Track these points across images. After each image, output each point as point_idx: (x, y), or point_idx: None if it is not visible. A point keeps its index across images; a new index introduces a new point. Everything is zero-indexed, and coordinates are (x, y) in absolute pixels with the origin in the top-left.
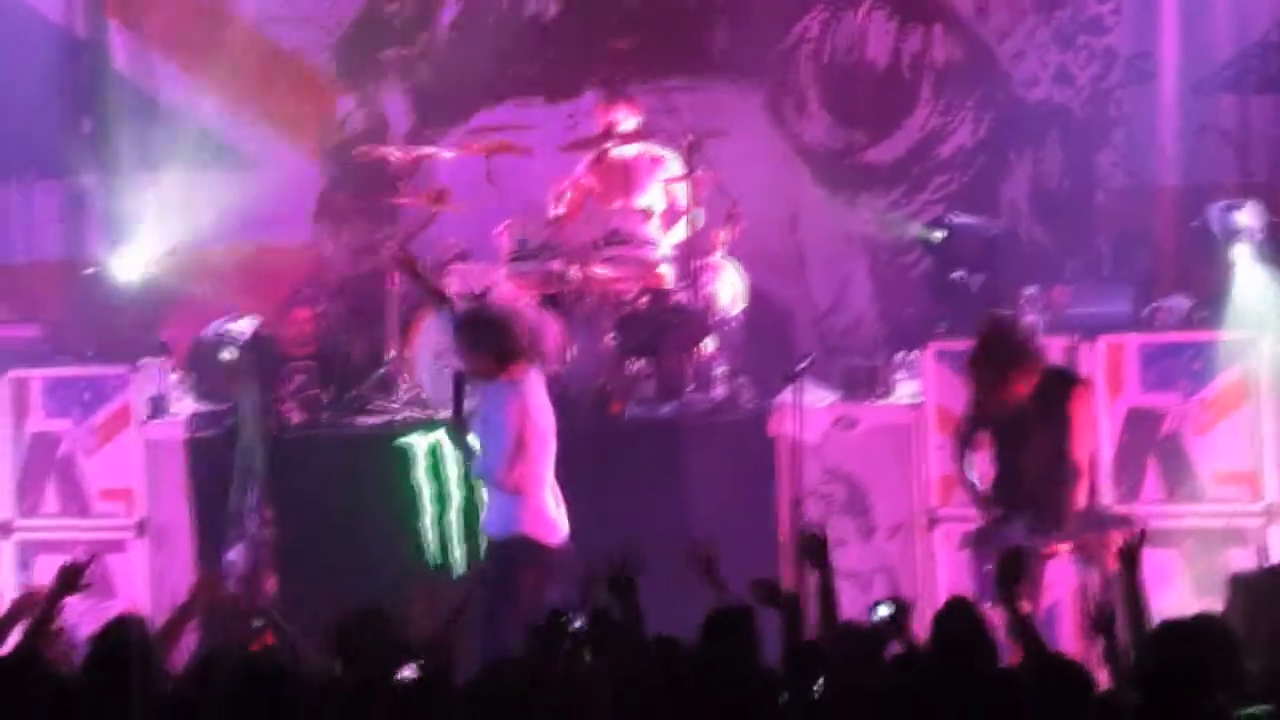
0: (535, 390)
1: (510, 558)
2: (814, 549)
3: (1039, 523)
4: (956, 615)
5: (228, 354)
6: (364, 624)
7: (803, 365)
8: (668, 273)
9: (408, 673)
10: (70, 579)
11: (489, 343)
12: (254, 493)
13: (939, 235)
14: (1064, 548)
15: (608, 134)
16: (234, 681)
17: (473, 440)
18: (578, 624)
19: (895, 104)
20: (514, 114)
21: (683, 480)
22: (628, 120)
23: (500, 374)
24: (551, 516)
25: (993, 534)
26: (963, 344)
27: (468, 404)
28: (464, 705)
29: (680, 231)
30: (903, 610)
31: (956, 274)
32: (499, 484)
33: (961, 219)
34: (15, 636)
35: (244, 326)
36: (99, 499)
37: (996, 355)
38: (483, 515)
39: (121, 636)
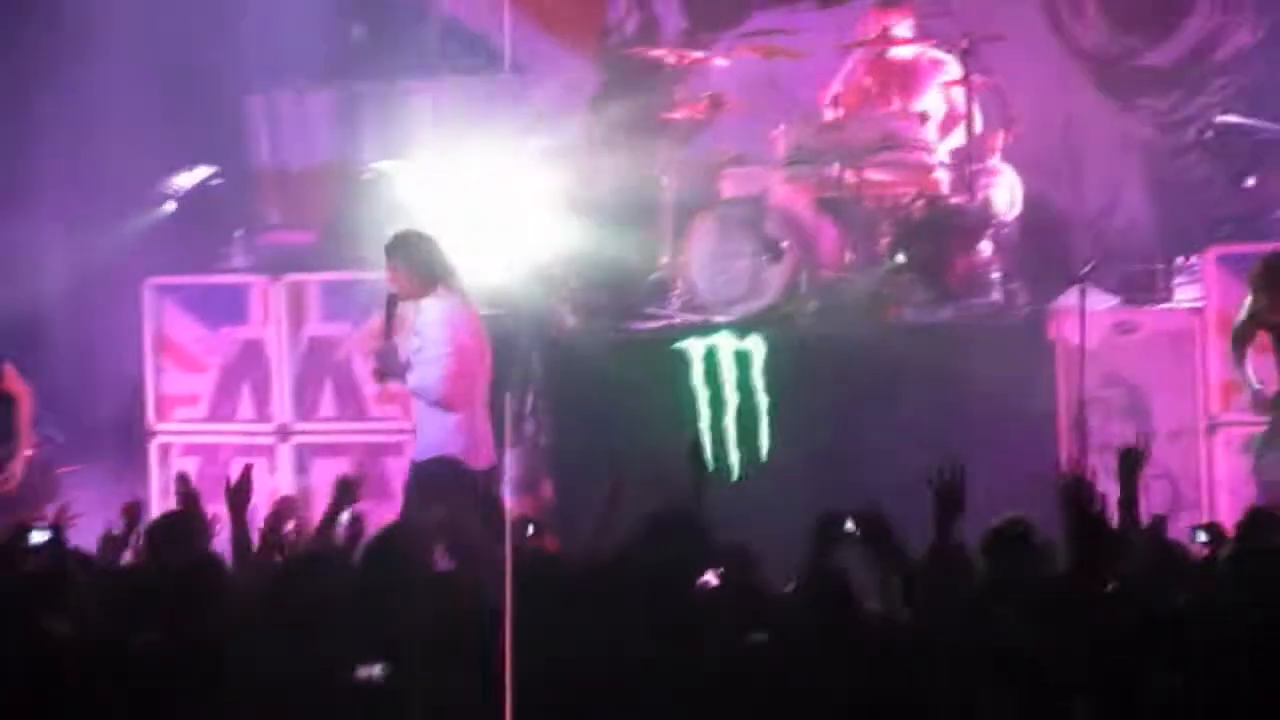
0: (468, 308)
1: (435, 480)
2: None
3: None
4: (1263, 525)
5: None
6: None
7: (1087, 269)
8: (944, 177)
9: (710, 578)
10: (347, 491)
11: (419, 262)
12: (529, 398)
13: (1210, 136)
14: None
15: (884, 37)
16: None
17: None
18: (848, 526)
19: (1173, 6)
20: (787, 18)
21: (959, 385)
22: (900, 26)
23: (430, 292)
24: (481, 438)
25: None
26: (1244, 248)
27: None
28: (776, 610)
29: (957, 135)
30: (1218, 536)
31: (1248, 180)
32: (435, 399)
33: (1233, 120)
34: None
35: None
36: (375, 402)
37: None
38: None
39: (396, 542)
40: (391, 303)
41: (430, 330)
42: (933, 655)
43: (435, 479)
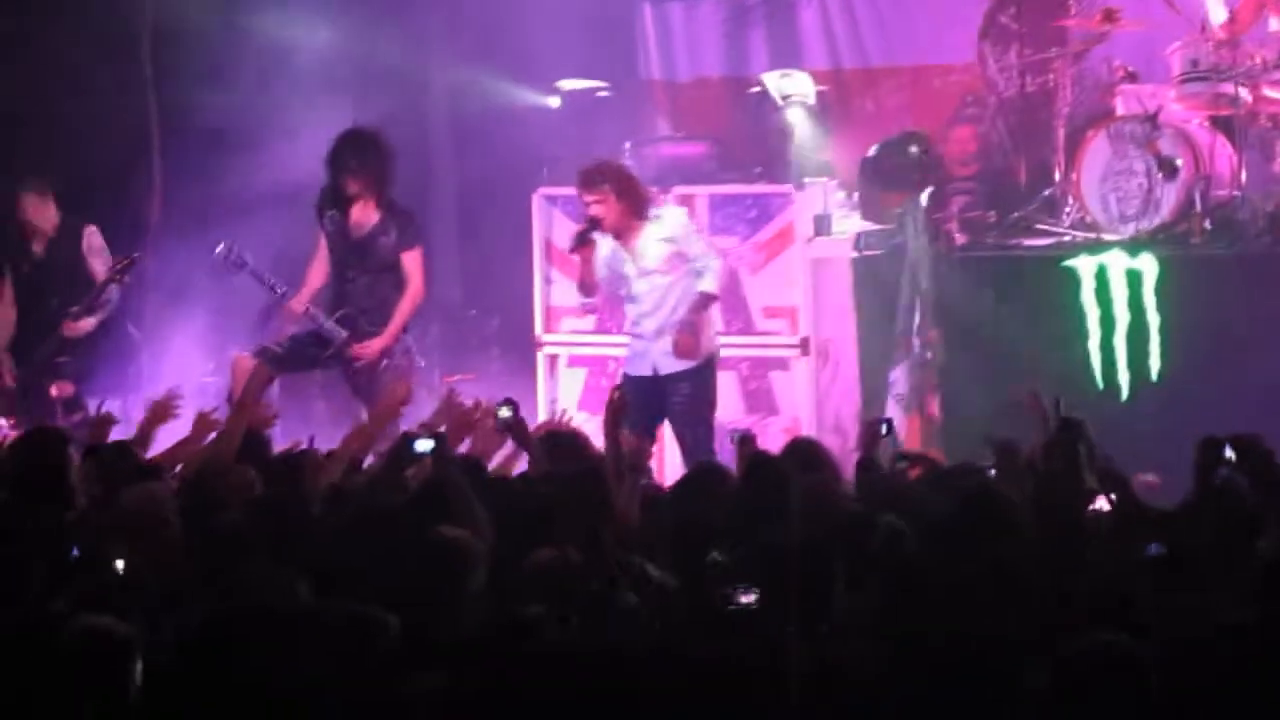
0: None
1: (712, 374)
2: None
3: None
4: None
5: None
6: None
7: None
8: None
9: (1102, 504)
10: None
11: (631, 191)
12: (919, 313)
13: None
14: None
15: None
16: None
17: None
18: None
19: None
20: None
21: None
22: None
23: (643, 219)
24: None
25: None
26: None
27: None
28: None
29: None
30: None
31: None
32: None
33: None
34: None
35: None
36: (763, 316)
37: None
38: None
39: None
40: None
41: (695, 236)
42: None
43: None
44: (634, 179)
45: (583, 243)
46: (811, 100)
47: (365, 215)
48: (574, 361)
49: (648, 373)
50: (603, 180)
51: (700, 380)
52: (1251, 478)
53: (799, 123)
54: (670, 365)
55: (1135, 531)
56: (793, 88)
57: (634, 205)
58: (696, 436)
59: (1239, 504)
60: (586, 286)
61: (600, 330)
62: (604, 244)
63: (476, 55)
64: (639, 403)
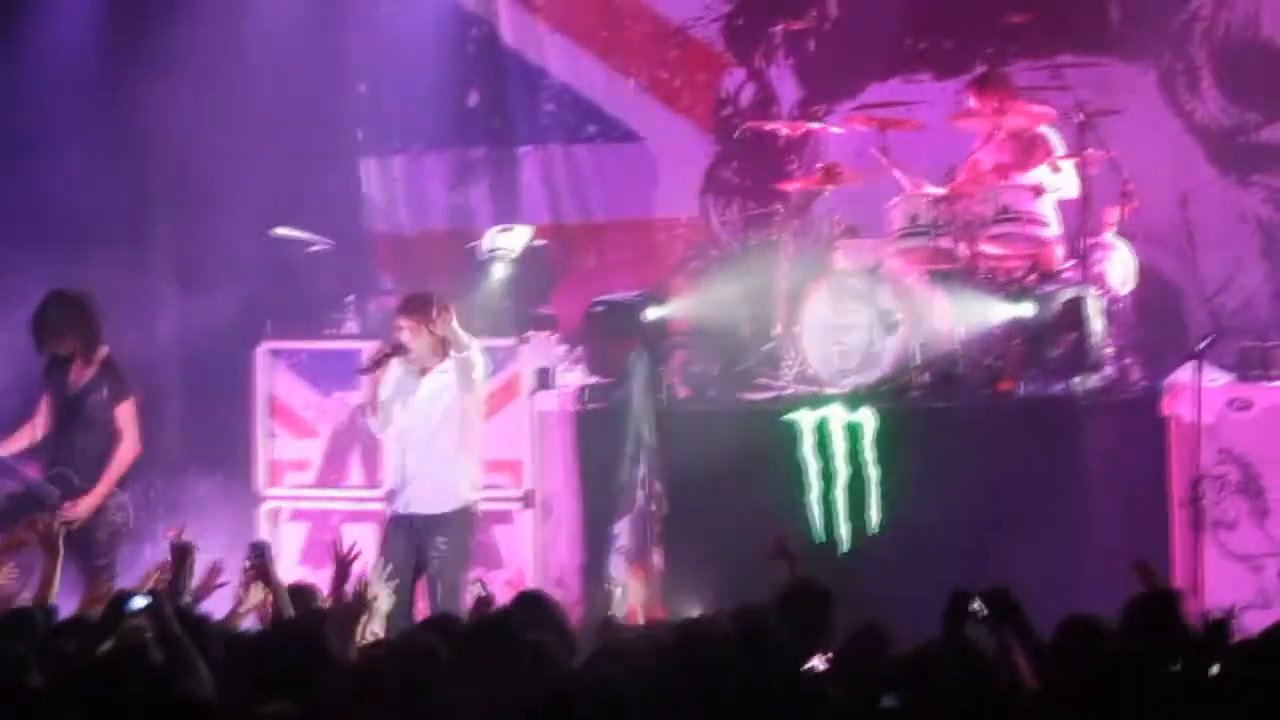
0: None
1: (471, 526)
2: None
3: None
4: None
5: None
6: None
7: (1204, 344)
8: (1058, 251)
9: (817, 663)
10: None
11: (451, 330)
12: (642, 466)
13: None
14: None
15: (998, 110)
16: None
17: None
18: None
19: None
20: (903, 89)
21: (1072, 459)
22: (1013, 100)
23: (443, 356)
24: None
25: None
26: None
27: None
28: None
29: (1071, 210)
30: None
31: None
32: (469, 452)
33: None
34: None
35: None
36: (487, 470)
37: None
38: (419, 486)
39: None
40: (396, 352)
41: (480, 388)
42: None
43: (472, 525)
44: (449, 318)
45: (377, 365)
46: (516, 255)
47: (80, 373)
48: (296, 515)
49: (405, 511)
50: (422, 311)
51: (457, 529)
52: (1001, 628)
53: (502, 277)
54: (426, 507)
55: (870, 682)
56: (503, 242)
57: (439, 343)
58: (447, 588)
59: (981, 655)
60: (372, 407)
61: (321, 484)
62: (396, 371)
63: (200, 200)
64: (401, 545)
